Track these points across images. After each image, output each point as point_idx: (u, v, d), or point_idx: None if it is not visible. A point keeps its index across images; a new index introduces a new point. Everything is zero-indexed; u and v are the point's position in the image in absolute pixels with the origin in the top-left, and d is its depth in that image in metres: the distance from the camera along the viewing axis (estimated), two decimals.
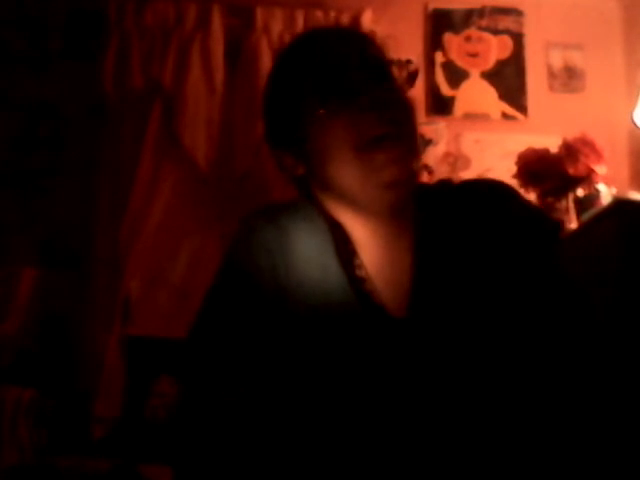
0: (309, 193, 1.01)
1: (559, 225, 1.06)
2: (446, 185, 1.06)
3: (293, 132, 0.97)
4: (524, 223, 0.97)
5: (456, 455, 0.89)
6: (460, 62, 3.00)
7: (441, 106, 2.94)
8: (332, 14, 2.86)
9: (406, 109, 0.96)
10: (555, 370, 0.92)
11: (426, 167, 2.74)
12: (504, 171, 2.54)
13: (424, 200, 1.00)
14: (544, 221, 1.02)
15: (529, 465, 0.89)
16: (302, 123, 0.95)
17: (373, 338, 0.92)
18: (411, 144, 0.95)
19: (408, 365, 0.91)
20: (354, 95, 0.92)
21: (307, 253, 0.96)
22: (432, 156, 2.83)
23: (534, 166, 2.38)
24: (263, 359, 0.93)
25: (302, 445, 0.91)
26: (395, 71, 0.97)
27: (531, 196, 2.44)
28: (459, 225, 0.97)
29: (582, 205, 2.31)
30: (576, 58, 3.03)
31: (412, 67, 0.98)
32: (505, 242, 0.95)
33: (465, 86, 2.98)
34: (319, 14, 2.86)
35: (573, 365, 0.93)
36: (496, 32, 3.03)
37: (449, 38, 3.01)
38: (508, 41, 3.03)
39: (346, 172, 0.92)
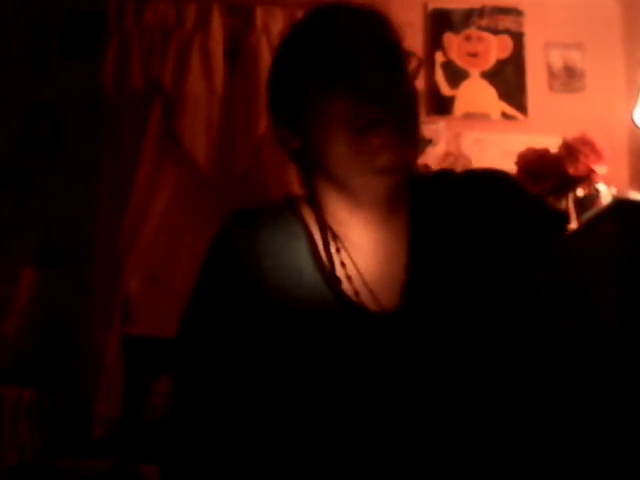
0: (307, 169, 0.99)
1: (566, 216, 1.02)
2: (446, 175, 1.03)
3: (293, 105, 0.95)
4: (528, 216, 0.94)
5: (445, 453, 0.86)
6: (460, 62, 3.00)
7: (441, 106, 2.94)
8: None
9: (410, 98, 0.93)
10: (550, 370, 0.91)
11: (426, 167, 2.74)
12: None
13: (421, 191, 0.98)
14: (549, 212, 0.99)
15: (521, 462, 0.88)
16: (303, 98, 0.93)
17: (354, 338, 0.89)
18: (410, 133, 0.92)
19: (394, 363, 0.88)
20: (359, 77, 0.90)
21: (281, 257, 0.94)
22: (432, 156, 2.83)
23: (534, 166, 2.38)
24: (244, 359, 0.92)
25: (287, 443, 0.90)
26: (407, 59, 0.95)
27: None
28: (458, 218, 0.94)
29: (582, 205, 2.31)
30: (576, 58, 3.03)
31: (415, 60, 0.96)
32: (507, 236, 0.93)
33: (465, 86, 2.98)
34: None
35: (571, 368, 0.93)
36: (496, 32, 3.03)
37: (449, 38, 3.01)
38: (508, 41, 3.03)
39: (339, 153, 0.91)
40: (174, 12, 2.85)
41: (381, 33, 0.95)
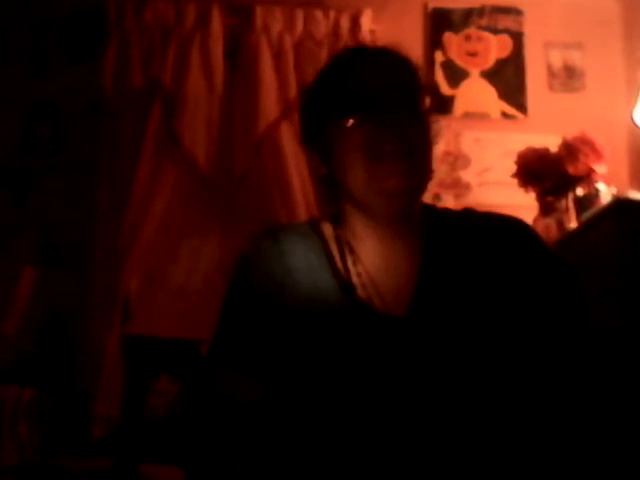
0: (334, 192, 1.10)
1: (577, 271, 1.09)
2: (469, 212, 1.13)
3: (321, 136, 1.07)
4: (543, 269, 1.03)
5: (450, 453, 0.92)
6: (460, 61, 3.00)
7: (441, 105, 2.93)
8: (332, 14, 2.86)
9: (423, 132, 1.05)
10: (548, 371, 0.97)
11: None
12: (504, 170, 2.54)
13: (442, 221, 1.08)
14: (562, 263, 1.07)
15: (523, 462, 0.92)
16: (330, 130, 1.05)
17: (367, 338, 0.98)
18: (418, 162, 1.03)
19: (398, 360, 0.97)
20: (378, 112, 1.00)
21: (302, 269, 1.05)
22: None
23: (534, 165, 2.38)
24: (274, 365, 1.02)
25: (304, 443, 0.97)
26: (425, 95, 1.08)
27: (531, 195, 2.44)
28: (470, 251, 1.04)
29: (582, 204, 2.31)
30: (576, 57, 3.03)
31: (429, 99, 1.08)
32: (516, 281, 1.01)
33: (465, 85, 2.98)
34: (319, 14, 2.86)
35: (572, 372, 0.97)
36: (496, 31, 3.03)
37: (449, 37, 3.01)
38: (508, 40, 3.03)
39: (357, 178, 1.02)
40: (174, 12, 2.85)
41: (401, 72, 1.06)
